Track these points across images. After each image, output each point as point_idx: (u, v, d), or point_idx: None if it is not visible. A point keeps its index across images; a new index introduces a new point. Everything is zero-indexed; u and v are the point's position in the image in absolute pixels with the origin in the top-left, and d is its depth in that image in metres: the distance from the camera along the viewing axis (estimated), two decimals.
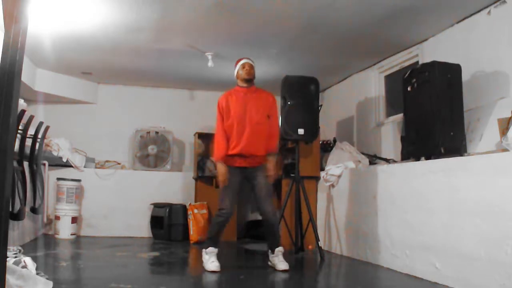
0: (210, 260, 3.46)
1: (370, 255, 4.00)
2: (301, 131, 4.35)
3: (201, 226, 5.40)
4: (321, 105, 4.60)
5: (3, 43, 1.40)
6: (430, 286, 3.07)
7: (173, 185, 6.05)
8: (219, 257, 3.52)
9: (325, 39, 4.41)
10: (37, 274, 2.61)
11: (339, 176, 4.62)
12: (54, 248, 4.51)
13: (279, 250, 3.61)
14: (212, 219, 3.78)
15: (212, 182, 5.76)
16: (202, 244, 3.97)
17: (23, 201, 3.90)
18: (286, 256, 3.65)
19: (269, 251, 3.66)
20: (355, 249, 4.28)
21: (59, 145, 5.50)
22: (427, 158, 3.45)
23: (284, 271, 3.50)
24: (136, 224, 5.82)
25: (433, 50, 4.19)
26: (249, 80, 3.70)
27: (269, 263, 3.67)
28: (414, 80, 3.62)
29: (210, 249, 3.51)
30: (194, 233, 5.41)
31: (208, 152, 6.31)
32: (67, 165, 5.66)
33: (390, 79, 5.13)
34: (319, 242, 4.33)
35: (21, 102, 4.47)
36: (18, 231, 4.23)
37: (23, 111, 3.74)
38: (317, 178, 5.07)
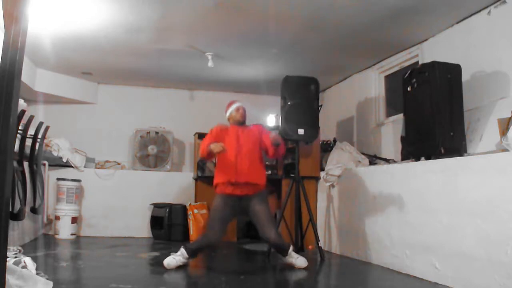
0: (175, 259, 3.49)
1: (370, 255, 4.00)
2: (301, 131, 4.35)
3: (201, 226, 5.40)
4: (321, 105, 4.59)
5: (3, 43, 1.40)
6: (430, 286, 3.07)
7: (173, 185, 6.05)
8: (218, 257, 3.52)
9: (325, 39, 4.41)
10: (37, 274, 2.61)
11: (339, 176, 4.62)
12: (54, 248, 4.51)
13: (291, 251, 3.70)
14: (203, 234, 3.78)
15: (212, 182, 5.75)
16: None
17: (23, 201, 3.89)
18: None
19: (281, 257, 3.75)
20: (355, 249, 4.28)
21: (59, 145, 5.51)
22: (427, 158, 3.45)
23: (304, 268, 3.64)
24: (136, 224, 5.82)
25: (433, 50, 4.19)
26: (243, 122, 3.82)
27: (284, 261, 3.73)
28: (414, 80, 3.62)
29: (184, 254, 3.52)
30: (194, 233, 5.41)
31: None
32: (67, 165, 5.66)
33: (390, 79, 5.13)
34: (319, 242, 4.32)
35: (21, 102, 4.46)
36: (18, 231, 4.23)
37: (23, 111, 3.74)
38: (317, 178, 5.07)
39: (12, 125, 1.36)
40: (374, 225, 3.94)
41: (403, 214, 3.55)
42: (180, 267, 3.50)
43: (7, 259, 2.29)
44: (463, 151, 3.39)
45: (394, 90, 4.87)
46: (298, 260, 3.67)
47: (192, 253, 3.55)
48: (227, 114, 3.86)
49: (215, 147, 3.49)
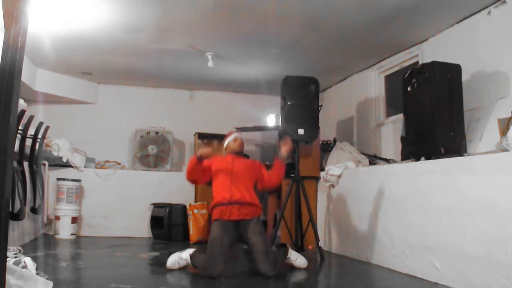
0: (179, 263, 3.46)
1: (370, 255, 4.00)
2: (301, 131, 4.35)
3: (201, 226, 5.40)
4: (321, 105, 4.60)
5: (3, 43, 1.40)
6: (430, 286, 3.07)
7: (173, 185, 6.04)
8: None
9: (325, 39, 4.41)
10: (37, 274, 2.61)
11: (339, 176, 4.62)
12: (54, 248, 4.51)
13: (289, 254, 3.66)
14: (204, 264, 3.30)
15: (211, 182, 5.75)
16: (202, 244, 3.97)
17: (23, 201, 3.89)
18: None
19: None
20: (355, 249, 4.28)
21: (59, 145, 5.50)
22: (427, 158, 3.45)
23: (304, 269, 3.63)
24: (136, 224, 5.82)
25: (433, 50, 4.19)
26: (240, 152, 3.79)
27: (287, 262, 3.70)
28: (414, 80, 3.62)
29: (190, 263, 3.45)
30: (194, 233, 5.41)
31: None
32: (67, 165, 5.66)
33: (390, 79, 5.13)
34: (319, 242, 4.32)
35: (21, 102, 4.46)
36: (18, 231, 4.23)
37: (23, 111, 3.74)
38: (317, 178, 5.06)
39: (12, 125, 1.36)
40: (374, 225, 3.94)
41: (403, 214, 3.55)
42: (181, 268, 3.50)
43: (7, 259, 2.29)
44: (463, 151, 3.39)
45: (394, 90, 4.87)
46: (300, 260, 3.67)
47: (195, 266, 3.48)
48: (225, 144, 3.85)
49: (202, 150, 3.46)
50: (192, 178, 3.65)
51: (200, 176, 3.63)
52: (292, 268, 3.66)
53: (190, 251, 3.51)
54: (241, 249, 3.73)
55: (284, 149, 3.57)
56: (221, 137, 6.31)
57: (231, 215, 3.45)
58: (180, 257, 3.49)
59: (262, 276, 3.25)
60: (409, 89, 3.69)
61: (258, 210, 3.57)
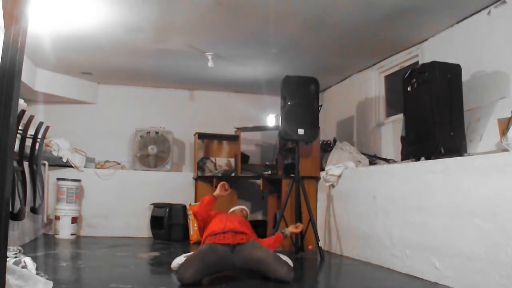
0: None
1: (370, 255, 4.00)
2: (301, 131, 4.35)
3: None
4: (321, 105, 4.59)
5: (3, 43, 1.40)
6: (430, 286, 3.07)
7: (173, 185, 6.05)
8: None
9: (325, 39, 4.42)
10: (37, 274, 2.61)
11: (339, 176, 4.62)
12: (54, 248, 4.51)
13: None
14: (179, 269, 3.02)
15: (212, 182, 5.76)
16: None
17: (23, 201, 3.90)
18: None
19: None
20: (355, 249, 4.28)
21: (59, 145, 5.51)
22: (427, 158, 3.45)
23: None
24: (136, 224, 5.82)
25: (433, 50, 4.19)
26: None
27: None
28: (414, 80, 3.62)
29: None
30: (194, 233, 5.41)
31: (208, 153, 6.33)
32: (67, 165, 5.66)
33: (390, 79, 5.13)
34: (319, 242, 4.32)
35: (21, 102, 4.47)
36: (18, 231, 4.23)
37: (23, 111, 3.74)
38: (317, 178, 5.06)
39: (12, 125, 1.36)
40: (374, 225, 3.94)
41: (403, 214, 3.55)
42: None
43: (7, 259, 2.29)
44: (463, 151, 3.39)
45: (394, 90, 4.87)
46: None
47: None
48: (231, 209, 4.02)
49: (220, 192, 3.68)
50: (203, 213, 3.61)
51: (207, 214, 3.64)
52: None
53: None
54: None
55: (292, 232, 3.88)
56: (221, 137, 6.36)
57: (225, 240, 3.20)
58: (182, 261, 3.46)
59: (280, 283, 2.97)
60: (409, 89, 3.69)
61: (254, 237, 3.40)
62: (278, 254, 3.47)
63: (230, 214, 3.79)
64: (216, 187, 3.81)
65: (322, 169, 4.97)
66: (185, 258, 3.15)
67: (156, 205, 5.74)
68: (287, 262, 3.22)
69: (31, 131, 4.14)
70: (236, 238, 3.23)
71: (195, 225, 5.39)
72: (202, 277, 2.94)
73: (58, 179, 5.48)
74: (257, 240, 3.38)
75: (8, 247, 2.44)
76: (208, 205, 3.63)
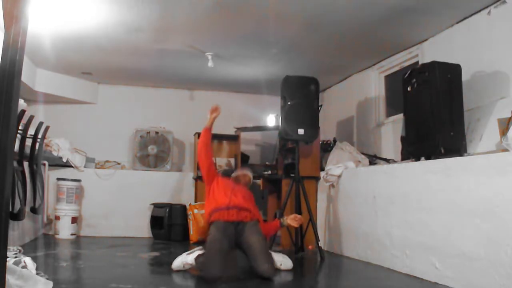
0: (184, 267, 3.44)
1: (370, 255, 4.00)
2: (301, 131, 4.35)
3: (201, 226, 5.39)
4: (321, 105, 4.59)
5: (3, 43, 1.40)
6: (430, 286, 3.07)
7: (173, 185, 6.05)
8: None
9: (325, 39, 4.42)
10: (37, 274, 2.61)
11: (339, 176, 4.62)
12: (54, 248, 4.51)
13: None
14: (203, 263, 3.26)
15: None
16: (202, 244, 3.96)
17: (23, 201, 3.89)
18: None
19: None
20: (355, 249, 4.28)
21: (59, 145, 5.50)
22: (427, 158, 3.45)
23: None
24: (136, 224, 5.82)
25: (433, 50, 4.19)
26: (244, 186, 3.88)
27: None
28: (414, 80, 3.62)
29: (194, 266, 3.43)
30: (194, 233, 5.41)
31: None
32: (67, 165, 5.65)
33: (390, 79, 5.13)
34: (319, 242, 4.32)
35: (21, 102, 4.46)
36: (18, 231, 4.23)
37: (23, 111, 3.74)
38: (317, 178, 5.06)
39: (12, 125, 1.36)
40: (374, 225, 3.94)
41: (403, 214, 3.55)
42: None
43: (7, 259, 2.29)
44: (463, 151, 3.39)
45: (394, 90, 4.87)
46: (283, 265, 3.55)
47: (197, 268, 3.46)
48: (234, 174, 4.00)
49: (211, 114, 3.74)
50: (205, 152, 3.71)
51: (210, 153, 3.77)
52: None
53: (196, 254, 3.47)
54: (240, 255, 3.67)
55: (291, 224, 3.75)
56: (221, 137, 6.35)
57: (230, 216, 3.46)
58: (186, 262, 3.46)
59: (261, 277, 3.18)
60: (409, 89, 3.69)
61: (257, 216, 3.57)
62: (273, 252, 3.52)
63: (235, 185, 3.75)
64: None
65: (322, 169, 4.97)
66: (204, 255, 3.29)
67: (156, 205, 5.74)
68: (273, 261, 3.38)
69: (31, 131, 4.13)
70: (240, 215, 3.45)
71: (195, 224, 5.40)
72: (226, 264, 3.20)
73: (58, 179, 5.48)
74: (259, 219, 3.62)
75: (8, 247, 2.44)
76: (206, 137, 3.72)
